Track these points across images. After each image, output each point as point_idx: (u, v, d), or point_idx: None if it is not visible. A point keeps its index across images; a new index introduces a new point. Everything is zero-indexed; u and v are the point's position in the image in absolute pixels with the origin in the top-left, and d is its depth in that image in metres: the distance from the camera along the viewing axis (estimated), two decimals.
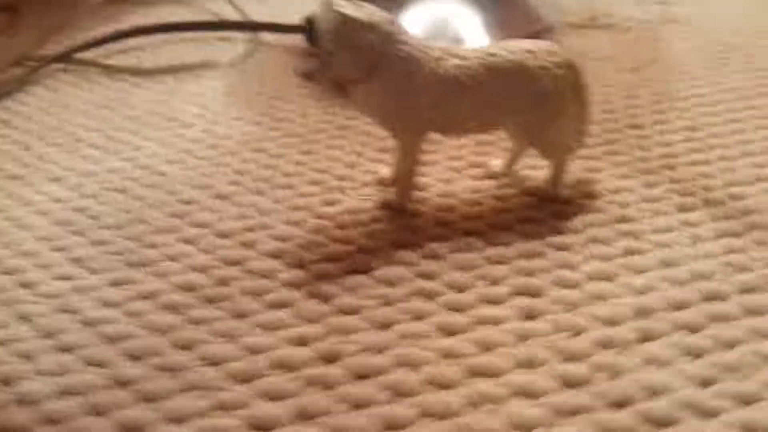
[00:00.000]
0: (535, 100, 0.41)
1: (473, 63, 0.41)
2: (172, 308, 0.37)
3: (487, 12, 0.60)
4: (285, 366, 0.33)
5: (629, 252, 0.40)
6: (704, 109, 0.55)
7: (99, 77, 0.67)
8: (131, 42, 0.75)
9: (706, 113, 0.55)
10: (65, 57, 0.69)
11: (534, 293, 0.37)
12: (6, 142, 0.56)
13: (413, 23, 0.59)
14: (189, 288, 0.39)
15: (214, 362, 0.33)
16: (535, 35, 0.60)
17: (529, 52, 0.41)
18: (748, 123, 0.53)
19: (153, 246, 0.42)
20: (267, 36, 0.75)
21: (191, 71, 0.68)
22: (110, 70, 0.69)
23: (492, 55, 0.41)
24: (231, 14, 0.81)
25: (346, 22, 0.38)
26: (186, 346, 0.34)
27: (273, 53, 0.72)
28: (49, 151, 0.54)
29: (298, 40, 0.72)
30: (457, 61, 0.41)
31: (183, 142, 0.55)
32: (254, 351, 0.34)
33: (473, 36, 0.59)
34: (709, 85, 0.59)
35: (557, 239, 0.41)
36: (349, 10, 0.38)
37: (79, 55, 0.70)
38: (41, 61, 0.68)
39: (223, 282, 0.39)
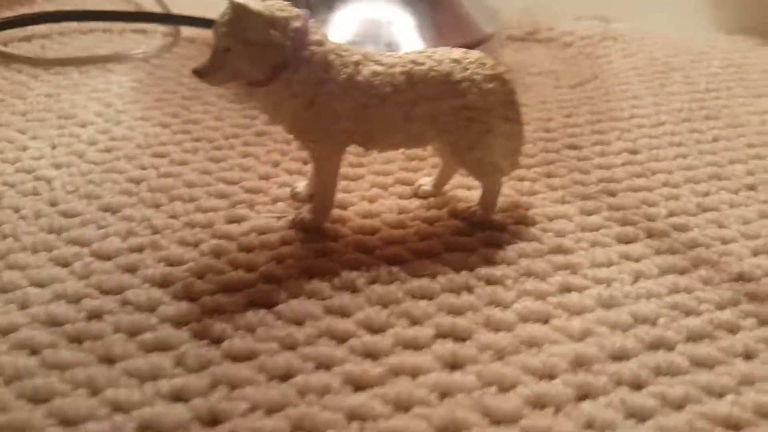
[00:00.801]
0: (461, 117, 0.37)
1: (396, 71, 0.36)
2: (28, 348, 0.31)
3: (422, 17, 0.55)
4: (154, 430, 0.27)
5: (565, 289, 0.36)
6: (646, 130, 0.52)
7: None
8: (37, 29, 0.67)
9: (647, 135, 0.52)
10: None
11: (460, 336, 0.33)
12: None
13: (343, 25, 0.54)
14: (52, 322, 0.32)
15: (66, 422, 0.27)
16: (471, 45, 0.56)
17: (457, 62, 0.37)
18: (691, 147, 0.50)
19: (18, 267, 0.36)
20: (187, 30, 0.68)
21: (100, 64, 0.61)
22: (8, 59, 0.61)
23: (416, 63, 0.36)
24: (150, 5, 0.74)
25: (244, 15, 0.33)
26: (35, 399, 0.28)
27: (192, 49, 0.65)
28: None
29: None
30: (377, 68, 0.36)
31: (76, 143, 0.48)
32: (118, 408, 0.28)
33: (407, 41, 0.54)
34: (651, 105, 0.56)
35: (488, 271, 0.37)
36: (250, 2, 0.33)
37: None
38: None
39: (95, 315, 0.33)
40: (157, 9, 0.72)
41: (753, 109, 0.56)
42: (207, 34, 0.67)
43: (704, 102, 0.57)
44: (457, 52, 0.37)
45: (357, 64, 0.36)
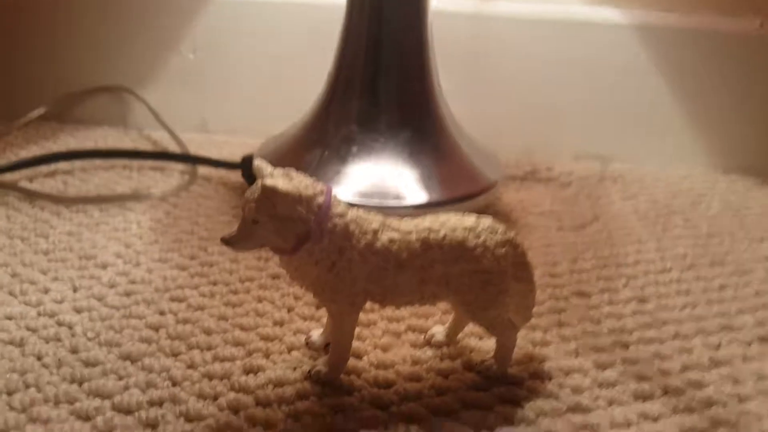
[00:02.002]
0: (475, 279, 0.38)
1: (412, 238, 0.38)
2: None
3: (428, 169, 0.58)
4: None
5: None
6: (652, 277, 0.53)
7: (18, 202, 0.62)
8: (60, 165, 0.70)
9: (654, 282, 0.53)
10: None
11: None
12: None
13: (353, 178, 0.57)
14: None
15: None
16: (476, 194, 0.58)
17: (470, 230, 0.39)
18: (698, 296, 0.51)
19: (41, 421, 0.36)
20: (205, 169, 0.71)
21: (119, 202, 0.63)
22: (31, 196, 0.63)
23: (431, 230, 0.38)
24: (169, 144, 0.78)
25: (273, 194, 0.35)
26: None
27: (209, 188, 0.68)
28: None
29: (237, 176, 0.69)
30: (395, 235, 0.38)
31: (96, 286, 0.49)
32: None
33: (413, 193, 0.56)
34: (655, 251, 0.58)
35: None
36: (279, 182, 0.35)
37: (1, 177, 0.65)
38: None
39: None
40: (175, 148, 0.76)
41: (757, 255, 0.57)
42: (222, 174, 0.71)
43: (707, 248, 0.59)
44: (470, 220, 0.39)
45: (375, 231, 0.38)
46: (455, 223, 0.39)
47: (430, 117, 0.60)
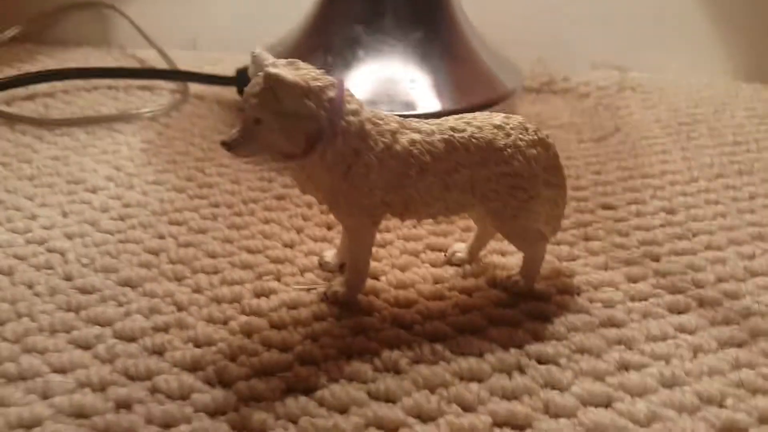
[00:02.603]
0: (504, 184, 0.35)
1: (435, 139, 0.34)
2: None
3: (441, 75, 0.54)
4: None
5: (623, 366, 0.33)
6: (680, 188, 0.51)
7: None
8: (40, 87, 0.65)
9: (682, 193, 0.50)
10: None
11: (519, 425, 0.30)
12: None
13: (360, 84, 0.53)
14: (78, 413, 0.30)
15: None
16: (493, 102, 0.54)
17: (499, 128, 0.35)
18: (729, 206, 0.48)
19: (37, 351, 0.33)
20: (197, 87, 0.67)
21: (106, 124, 0.59)
22: (11, 120, 0.59)
23: (456, 130, 0.35)
24: (157, 61, 0.73)
25: (277, 85, 0.31)
26: None
27: (203, 106, 0.64)
28: None
29: (231, 93, 0.65)
30: (416, 136, 0.34)
31: (88, 211, 0.46)
32: None
33: (425, 99, 0.52)
34: (680, 160, 0.55)
35: (538, 348, 0.34)
36: (283, 71, 0.31)
37: None
38: None
39: (124, 405, 0.30)
40: (163, 66, 0.71)
41: None
42: (216, 90, 0.66)
43: (734, 156, 0.56)
44: (498, 118, 0.36)
45: (394, 133, 0.34)
46: (482, 121, 0.35)
47: (442, 15, 0.55)
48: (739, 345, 0.35)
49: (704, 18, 0.72)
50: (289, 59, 0.33)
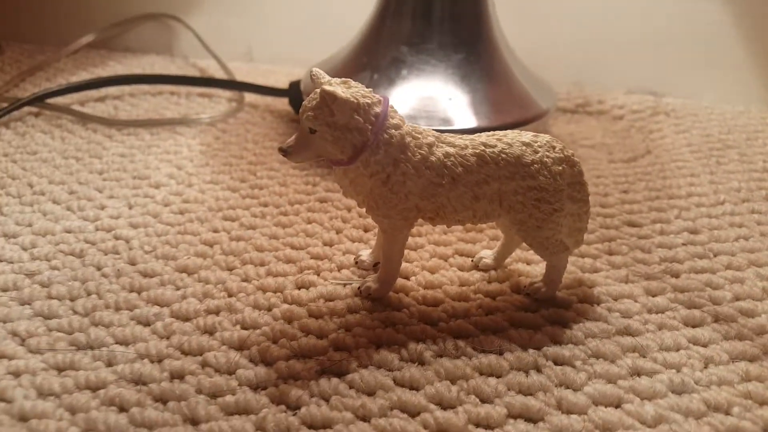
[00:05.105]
0: (530, 197, 0.38)
1: (467, 153, 0.38)
2: (117, 405, 0.32)
3: (479, 94, 0.57)
4: None
5: (636, 372, 0.36)
6: (704, 209, 0.52)
7: (72, 125, 0.63)
8: (110, 90, 0.71)
9: (706, 214, 0.52)
10: (39, 100, 0.65)
11: (532, 418, 0.33)
12: None
13: (402, 100, 0.56)
14: (138, 380, 0.34)
15: None
16: (527, 121, 0.57)
17: (528, 145, 0.38)
18: (752, 229, 0.50)
19: (104, 325, 0.38)
20: (252, 97, 0.72)
21: (169, 127, 0.64)
22: (84, 119, 0.65)
23: (487, 145, 0.38)
24: (216, 71, 0.78)
25: (332, 101, 0.35)
26: None
27: (256, 115, 0.68)
28: (8, 202, 0.50)
29: (283, 104, 0.69)
30: (450, 150, 0.38)
31: (151, 204, 0.51)
32: None
33: (462, 117, 0.56)
34: (708, 183, 0.57)
35: (556, 350, 0.37)
36: (338, 89, 0.35)
37: (54, 100, 0.67)
38: (13, 103, 0.64)
39: (178, 375, 0.34)
40: (222, 76, 0.76)
41: None
42: (269, 101, 0.71)
43: (763, 182, 0.57)
44: (527, 136, 0.39)
45: (430, 145, 0.37)
46: (512, 138, 0.38)
47: (483, 40, 0.58)
48: (751, 360, 0.37)
49: (741, 45, 0.74)
50: (343, 78, 0.37)
